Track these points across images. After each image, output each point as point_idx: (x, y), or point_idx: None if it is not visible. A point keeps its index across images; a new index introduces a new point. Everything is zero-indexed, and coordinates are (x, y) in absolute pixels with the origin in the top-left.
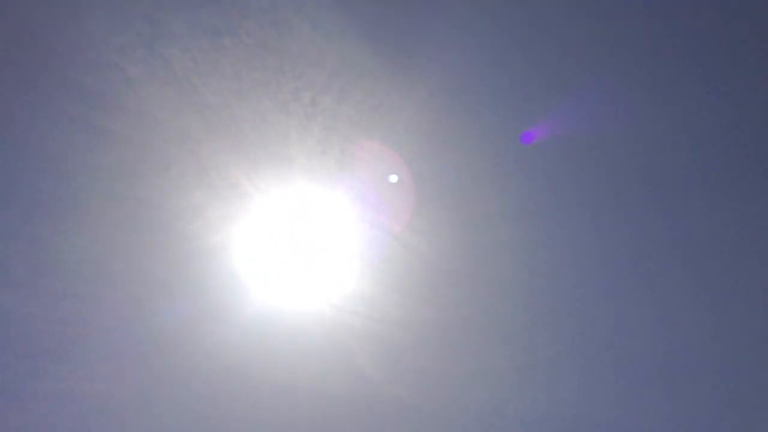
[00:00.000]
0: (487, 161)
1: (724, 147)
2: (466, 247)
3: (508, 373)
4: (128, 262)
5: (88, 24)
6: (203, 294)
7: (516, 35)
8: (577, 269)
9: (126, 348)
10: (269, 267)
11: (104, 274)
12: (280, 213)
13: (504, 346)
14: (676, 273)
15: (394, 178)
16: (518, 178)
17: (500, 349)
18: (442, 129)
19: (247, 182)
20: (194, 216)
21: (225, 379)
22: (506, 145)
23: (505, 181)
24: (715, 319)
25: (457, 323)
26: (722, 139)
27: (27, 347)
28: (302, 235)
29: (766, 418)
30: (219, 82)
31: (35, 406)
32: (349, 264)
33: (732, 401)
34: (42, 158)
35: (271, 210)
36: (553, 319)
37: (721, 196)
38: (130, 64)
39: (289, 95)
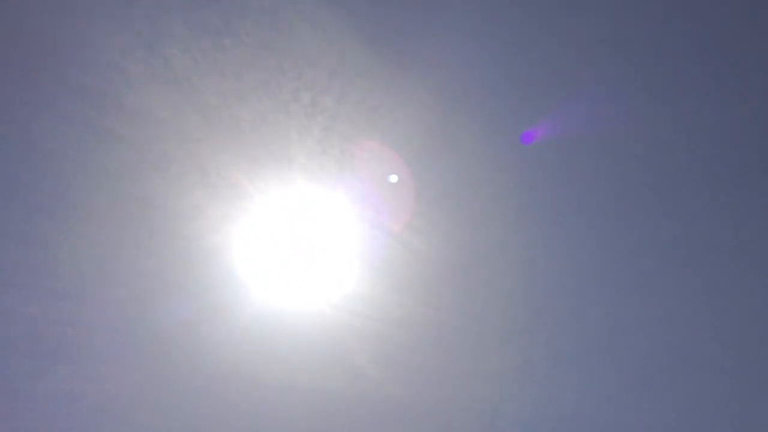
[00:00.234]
0: (487, 161)
1: (725, 147)
2: (466, 247)
3: (508, 373)
4: (128, 262)
5: (88, 24)
6: (203, 294)
7: (516, 35)
8: (577, 269)
9: (126, 348)
10: (269, 267)
11: (104, 274)
12: (280, 213)
13: (504, 346)
14: (678, 273)
15: (394, 178)
16: (518, 178)
17: (500, 349)
18: (442, 129)
19: (247, 182)
20: (194, 216)
21: (225, 379)
22: (506, 145)
23: (505, 181)
24: (716, 319)
25: (457, 323)
26: (723, 139)
27: (27, 347)
28: (302, 235)
29: (767, 418)
30: (219, 82)
31: (35, 406)
32: (349, 264)
33: (732, 401)
34: (42, 158)
35: (271, 210)
36: (553, 319)
37: (723, 196)
38: (130, 64)
39: (289, 95)
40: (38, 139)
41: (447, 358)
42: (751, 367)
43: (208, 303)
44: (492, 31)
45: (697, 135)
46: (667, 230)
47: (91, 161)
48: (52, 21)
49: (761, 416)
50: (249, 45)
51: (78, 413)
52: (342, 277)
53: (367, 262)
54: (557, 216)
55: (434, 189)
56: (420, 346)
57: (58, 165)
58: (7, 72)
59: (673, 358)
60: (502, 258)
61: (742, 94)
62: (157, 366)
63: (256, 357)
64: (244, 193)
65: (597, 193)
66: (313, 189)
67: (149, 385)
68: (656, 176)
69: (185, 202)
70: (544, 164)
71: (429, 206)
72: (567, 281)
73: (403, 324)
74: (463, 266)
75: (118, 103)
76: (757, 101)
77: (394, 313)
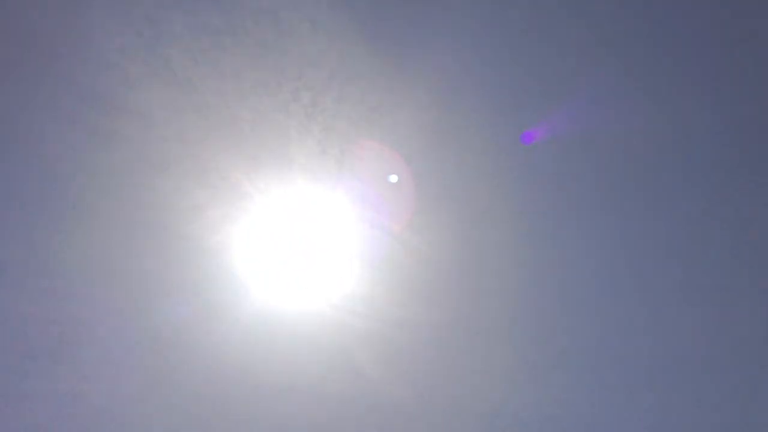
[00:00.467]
0: (487, 161)
1: (725, 147)
2: (467, 246)
3: (508, 373)
4: (128, 262)
5: (88, 24)
6: (203, 294)
7: (516, 35)
8: (577, 269)
9: (126, 348)
10: (269, 267)
11: (104, 274)
12: (280, 213)
13: (504, 346)
14: (678, 273)
15: (394, 178)
16: (518, 178)
17: (500, 349)
18: (442, 129)
19: (247, 182)
20: (194, 216)
21: (225, 379)
22: (506, 145)
23: (505, 181)
24: (716, 319)
25: (457, 323)
26: (723, 140)
27: (27, 347)
28: (302, 235)
29: (767, 418)
30: (219, 82)
31: (35, 406)
32: (349, 264)
33: (733, 401)
34: (41, 158)
35: (271, 210)
36: (554, 319)
37: (723, 196)
38: (130, 64)
39: (289, 95)
40: (38, 139)
41: (447, 359)
42: (752, 367)
43: (208, 303)
44: (492, 32)
45: (697, 135)
46: (667, 230)
47: (91, 161)
48: (52, 21)
49: (761, 416)
50: (249, 45)
51: (78, 413)
52: (342, 277)
53: (367, 262)
54: (557, 216)
55: (434, 189)
56: (420, 346)
57: (58, 165)
58: (7, 72)
59: (674, 358)
60: (503, 258)
61: (742, 95)
62: (157, 366)
63: (255, 357)
64: (244, 193)
65: (597, 193)
66: (313, 189)
67: (149, 385)
68: (656, 176)
69: (185, 202)
70: (544, 164)
71: (429, 206)
72: (567, 281)
73: (404, 324)
74: (463, 266)
75: (118, 103)
76: (756, 101)
77: (395, 313)
